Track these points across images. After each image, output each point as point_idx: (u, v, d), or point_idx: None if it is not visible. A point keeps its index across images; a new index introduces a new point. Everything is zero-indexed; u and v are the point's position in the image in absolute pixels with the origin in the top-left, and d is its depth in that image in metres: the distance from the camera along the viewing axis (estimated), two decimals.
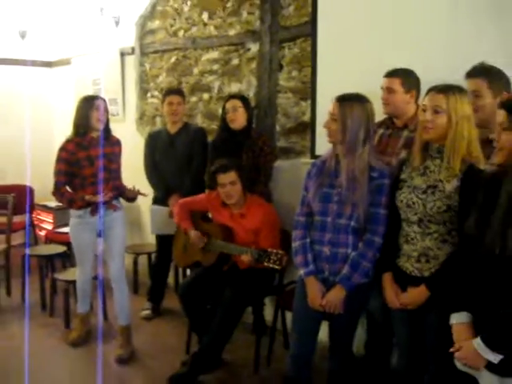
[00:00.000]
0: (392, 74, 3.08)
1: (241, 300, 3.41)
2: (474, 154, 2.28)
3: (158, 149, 4.40)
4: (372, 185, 2.53)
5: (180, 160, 4.30)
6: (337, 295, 2.57)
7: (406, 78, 3.05)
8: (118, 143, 3.86)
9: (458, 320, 2.07)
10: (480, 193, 2.06)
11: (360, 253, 2.55)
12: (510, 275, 1.88)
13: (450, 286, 2.16)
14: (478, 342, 1.92)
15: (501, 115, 1.94)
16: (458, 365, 2.06)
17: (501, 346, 1.88)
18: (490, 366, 1.92)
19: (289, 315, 3.51)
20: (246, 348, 3.80)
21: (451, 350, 2.05)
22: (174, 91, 4.43)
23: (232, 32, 4.41)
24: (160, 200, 4.34)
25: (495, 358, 1.88)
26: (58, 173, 3.70)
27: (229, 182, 3.45)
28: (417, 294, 2.37)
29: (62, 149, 3.68)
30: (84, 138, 3.68)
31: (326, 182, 2.62)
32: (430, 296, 2.33)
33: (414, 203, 2.35)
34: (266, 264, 3.07)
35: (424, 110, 2.31)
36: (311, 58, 3.83)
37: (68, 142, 3.70)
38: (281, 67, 4.07)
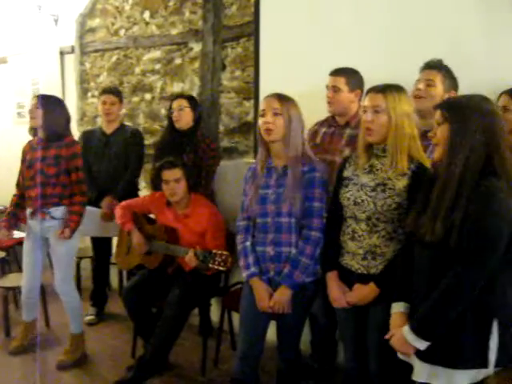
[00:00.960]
0: (337, 72, 3.11)
1: (187, 302, 3.37)
2: (417, 151, 2.33)
3: (91, 149, 4.27)
4: (303, 179, 2.55)
5: (114, 161, 4.21)
6: (283, 295, 2.58)
7: (350, 77, 3.09)
8: (70, 145, 3.53)
9: (396, 309, 2.14)
10: (422, 190, 2.10)
11: (299, 249, 2.56)
12: (435, 263, 1.95)
13: (395, 280, 2.20)
14: (406, 330, 1.99)
15: (437, 114, 2.01)
16: (398, 353, 2.12)
17: (427, 334, 1.94)
18: (420, 355, 1.98)
19: (235, 316, 3.50)
20: (192, 350, 3.78)
21: (385, 336, 2.12)
22: (108, 90, 4.32)
23: (174, 31, 4.37)
24: (92, 201, 4.11)
25: (422, 345, 1.94)
26: (19, 173, 3.63)
27: (173, 179, 3.41)
28: (365, 292, 2.38)
29: (23, 148, 3.60)
30: (34, 138, 3.58)
31: (262, 183, 2.64)
32: (379, 293, 2.36)
33: (362, 201, 2.36)
34: (210, 265, 3.05)
35: (365, 111, 2.34)
36: (254, 58, 3.84)
37: (28, 142, 3.61)
38: (224, 67, 4.06)
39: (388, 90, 2.30)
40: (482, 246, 1.86)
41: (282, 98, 2.58)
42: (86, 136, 4.37)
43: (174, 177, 3.41)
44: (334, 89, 3.09)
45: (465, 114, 1.93)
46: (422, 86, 2.80)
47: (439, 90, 2.79)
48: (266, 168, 2.66)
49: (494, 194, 1.86)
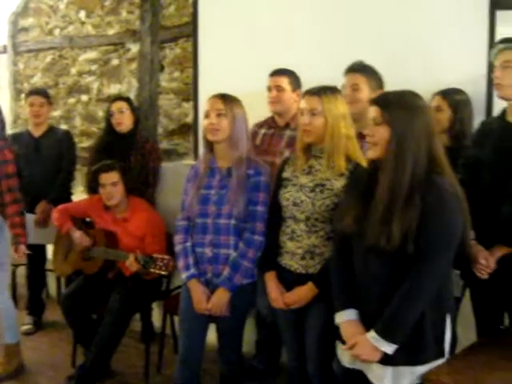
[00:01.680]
0: (280, 72, 3.14)
1: (128, 307, 3.31)
2: (351, 151, 2.36)
3: (20, 153, 4.03)
4: (249, 182, 2.55)
5: (47, 165, 4.08)
6: (221, 298, 2.56)
7: (292, 76, 3.13)
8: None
9: (347, 318, 2.10)
10: (358, 189, 2.11)
11: (240, 253, 2.55)
12: (395, 267, 1.96)
13: (333, 283, 2.20)
14: (372, 335, 1.97)
15: (373, 111, 2.00)
16: (345, 362, 2.12)
17: (395, 336, 1.94)
18: (382, 359, 1.97)
19: (178, 320, 3.44)
20: (135, 356, 3.71)
21: (344, 347, 2.08)
22: (36, 91, 4.18)
23: (111, 31, 4.30)
24: (26, 207, 3.84)
25: (391, 348, 1.94)
26: None
27: (110, 183, 3.35)
28: (303, 292, 2.39)
29: None
30: None
31: (204, 184, 2.62)
32: (317, 292, 2.36)
33: (301, 201, 2.37)
34: (152, 270, 3.00)
35: (302, 114, 2.36)
36: (193, 59, 3.81)
37: None
38: (162, 68, 4.01)
39: (323, 92, 2.33)
40: (442, 242, 1.90)
41: (226, 99, 2.57)
42: (13, 140, 4.16)
43: (111, 180, 3.35)
44: (278, 88, 3.11)
45: (407, 115, 1.94)
46: (348, 92, 2.84)
47: (365, 93, 2.84)
48: (210, 168, 2.64)
49: (446, 190, 1.89)
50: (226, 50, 3.64)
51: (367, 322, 2.04)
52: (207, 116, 2.57)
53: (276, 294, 2.46)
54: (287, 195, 2.42)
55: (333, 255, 2.27)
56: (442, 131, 2.81)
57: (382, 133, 1.96)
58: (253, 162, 2.60)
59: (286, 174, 2.48)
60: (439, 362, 1.97)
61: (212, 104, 2.57)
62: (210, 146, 2.63)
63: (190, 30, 3.82)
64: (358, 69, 2.86)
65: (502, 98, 2.49)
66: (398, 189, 1.92)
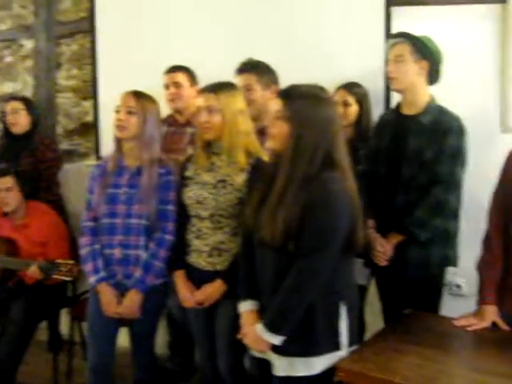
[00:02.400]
0: (176, 68, 3.13)
1: (31, 316, 3.18)
2: (251, 146, 2.37)
3: None
4: (159, 181, 2.51)
5: None
6: (133, 300, 2.50)
7: (189, 72, 3.12)
8: None
9: (245, 308, 2.14)
10: (261, 182, 2.12)
11: (152, 253, 2.51)
12: (283, 260, 1.97)
13: (241, 276, 2.21)
14: (259, 327, 2.00)
15: (277, 104, 2.00)
16: (254, 352, 2.13)
17: (280, 329, 1.96)
18: (277, 349, 2.00)
19: (86, 326, 3.33)
20: (43, 367, 3.55)
21: (238, 336, 2.12)
22: None
23: (3, 27, 4.07)
24: None
25: (277, 340, 1.97)
26: None
27: (4, 188, 3.20)
28: (212, 290, 2.38)
29: None
30: None
31: (111, 182, 2.55)
32: (226, 288, 2.37)
33: (205, 199, 2.36)
34: (55, 276, 2.88)
35: (200, 112, 2.35)
36: (91, 56, 3.69)
37: None
38: (59, 65, 3.85)
39: (220, 89, 2.34)
40: (322, 238, 1.91)
41: (139, 97, 2.53)
42: None
43: (5, 185, 3.20)
44: (176, 85, 3.09)
45: (309, 108, 1.95)
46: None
47: (258, 92, 2.84)
48: (118, 167, 2.57)
49: (330, 186, 1.91)
50: (125, 46, 3.56)
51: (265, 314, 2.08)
52: (118, 112, 2.51)
53: (186, 293, 2.44)
54: (190, 194, 2.41)
55: (239, 248, 2.28)
56: (348, 125, 2.88)
57: (282, 126, 1.97)
58: (163, 161, 2.57)
59: (188, 173, 2.47)
60: (337, 353, 1.99)
61: (124, 100, 2.52)
62: (118, 143, 2.57)
63: (87, 26, 3.71)
64: (248, 68, 2.85)
65: (396, 90, 2.59)
66: (290, 183, 1.94)
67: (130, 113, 2.49)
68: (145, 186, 2.49)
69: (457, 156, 2.46)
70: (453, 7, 2.90)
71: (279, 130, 1.98)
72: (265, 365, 2.09)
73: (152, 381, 2.76)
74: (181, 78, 3.10)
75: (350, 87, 2.91)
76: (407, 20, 2.94)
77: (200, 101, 2.37)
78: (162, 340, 3.35)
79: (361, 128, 2.90)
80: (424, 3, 2.94)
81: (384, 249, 2.51)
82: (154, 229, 2.53)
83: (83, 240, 2.61)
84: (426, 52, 2.49)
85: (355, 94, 2.90)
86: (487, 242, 2.32)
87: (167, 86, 3.14)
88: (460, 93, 2.83)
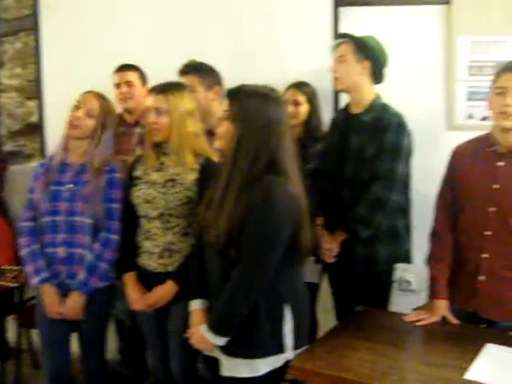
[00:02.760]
0: (128, 67, 3.09)
1: None
2: (199, 147, 2.36)
3: None
4: (104, 179, 2.48)
5: None
6: (75, 302, 2.46)
7: (140, 71, 3.10)
8: None
9: (193, 307, 2.14)
10: (209, 183, 2.11)
11: (97, 254, 2.46)
12: (227, 262, 1.96)
13: (192, 276, 2.20)
14: (204, 328, 1.99)
15: (224, 104, 2.01)
16: (206, 351, 2.12)
17: (222, 330, 1.96)
18: (223, 349, 2.00)
19: (35, 333, 3.25)
20: None
21: (185, 335, 2.11)
22: None
23: None
24: None
25: (220, 341, 1.97)
26: None
27: None
28: (164, 291, 2.36)
29: None
30: None
31: (54, 180, 2.50)
32: (178, 290, 2.34)
33: (154, 198, 2.33)
34: (1, 283, 2.79)
35: (149, 112, 2.33)
36: (35, 54, 3.59)
37: None
38: (2, 64, 3.73)
39: (168, 90, 2.32)
40: (262, 242, 1.90)
41: (99, 97, 2.51)
42: None
43: None
44: (128, 84, 3.06)
45: (255, 108, 1.93)
46: None
47: (201, 93, 2.82)
48: (61, 164, 2.52)
49: (271, 192, 1.89)
50: (71, 44, 3.47)
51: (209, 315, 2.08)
52: (76, 109, 2.48)
53: (136, 296, 2.41)
54: (139, 193, 2.38)
55: (191, 248, 2.28)
56: (298, 124, 2.89)
57: (227, 126, 1.97)
58: (107, 158, 2.53)
59: (137, 173, 2.43)
60: (282, 356, 1.99)
61: (86, 101, 2.49)
62: (66, 141, 2.53)
63: (31, 23, 3.59)
64: (190, 70, 2.83)
65: (339, 90, 2.62)
66: (230, 184, 1.93)
67: (89, 115, 2.46)
68: (90, 183, 2.45)
69: (397, 152, 2.48)
70: (399, 8, 2.95)
71: (225, 130, 1.98)
72: (217, 365, 2.08)
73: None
74: (133, 76, 3.07)
75: (300, 86, 2.93)
76: (355, 20, 2.98)
77: (149, 101, 2.34)
78: (113, 345, 3.28)
79: (311, 127, 2.92)
80: (371, 4, 2.99)
81: (330, 246, 2.54)
82: (99, 228, 2.49)
83: (22, 241, 2.54)
84: (368, 52, 2.52)
85: (305, 92, 2.91)
86: (435, 237, 2.36)
87: (118, 85, 3.09)
88: (407, 91, 2.89)
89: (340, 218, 2.55)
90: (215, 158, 2.37)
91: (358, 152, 2.52)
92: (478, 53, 2.83)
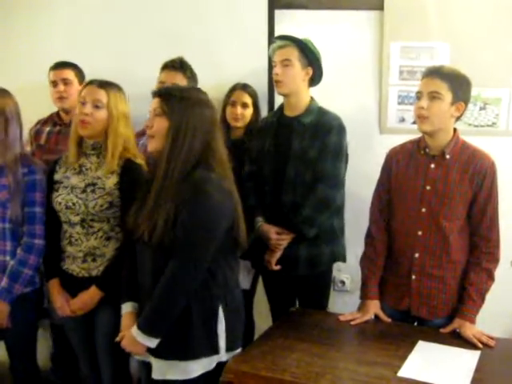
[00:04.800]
0: (64, 65, 3.00)
1: None
2: (131, 151, 2.32)
3: None
4: (23, 182, 2.37)
5: None
6: (1, 312, 2.35)
7: (77, 69, 3.02)
8: None
9: (123, 311, 2.10)
10: (139, 186, 2.09)
11: (19, 260, 2.37)
12: (159, 260, 1.93)
13: (119, 279, 2.16)
14: (134, 330, 1.95)
15: (154, 103, 1.98)
16: (135, 356, 2.08)
17: (154, 331, 1.93)
18: (153, 352, 1.96)
19: None
20: None
21: (116, 339, 2.07)
22: None
23: None
24: None
25: (152, 343, 1.93)
26: None
27: None
28: (88, 297, 2.30)
29: None
30: None
31: None
32: (103, 295, 2.30)
33: (74, 204, 2.27)
34: None
35: (83, 103, 2.26)
36: None
37: None
38: None
39: (109, 86, 2.28)
40: (196, 236, 1.88)
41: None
42: None
43: None
44: (65, 81, 2.97)
45: (185, 109, 1.93)
46: None
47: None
48: None
49: (203, 186, 1.89)
50: (5, 41, 3.35)
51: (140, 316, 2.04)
52: None
53: (60, 302, 2.35)
54: (59, 199, 2.31)
55: (120, 251, 2.24)
56: (243, 126, 2.88)
57: (161, 124, 1.94)
58: (26, 160, 2.43)
59: (57, 176, 2.37)
60: (216, 357, 1.98)
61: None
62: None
63: None
64: (177, 67, 2.83)
65: (281, 94, 2.62)
66: (166, 181, 1.92)
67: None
68: (7, 187, 2.35)
69: (339, 153, 2.53)
70: (334, 12, 2.99)
71: (158, 126, 1.95)
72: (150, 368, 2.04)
73: None
74: (70, 74, 2.97)
75: (246, 88, 2.92)
76: (290, 23, 3.00)
77: (84, 92, 2.27)
78: (44, 352, 3.17)
79: (251, 129, 2.91)
80: (306, 7, 3.01)
81: (280, 237, 2.53)
82: (20, 233, 2.39)
83: None
84: (311, 58, 2.55)
85: (251, 94, 2.91)
86: (370, 239, 2.41)
87: (54, 83, 2.98)
88: (340, 95, 2.94)
89: (281, 221, 2.56)
90: (139, 160, 2.33)
91: (300, 154, 2.53)
92: (408, 58, 2.91)
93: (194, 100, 1.97)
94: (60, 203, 2.30)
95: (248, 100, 2.90)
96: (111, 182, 2.26)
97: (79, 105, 2.28)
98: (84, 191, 2.27)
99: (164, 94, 1.99)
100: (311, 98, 2.63)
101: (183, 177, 1.90)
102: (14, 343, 2.51)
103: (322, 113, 2.59)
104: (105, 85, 2.27)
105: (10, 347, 2.52)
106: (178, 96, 1.96)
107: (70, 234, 2.32)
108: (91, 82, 2.30)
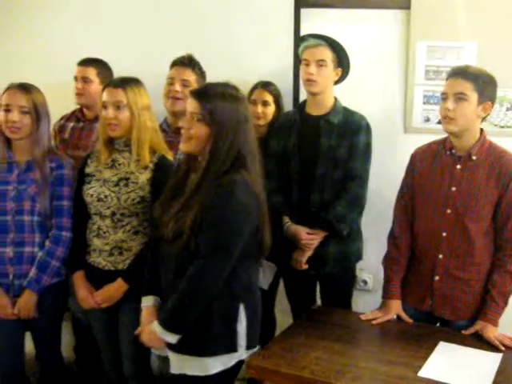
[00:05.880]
0: (87, 62, 3.00)
1: None
2: (161, 145, 2.36)
3: None
4: (51, 176, 2.42)
5: None
6: (28, 301, 2.41)
7: (101, 67, 3.01)
8: None
9: (144, 304, 2.12)
10: (169, 182, 2.10)
11: (48, 251, 2.42)
12: (183, 260, 1.95)
13: (144, 273, 2.18)
14: (155, 324, 1.97)
15: (192, 104, 1.97)
16: (153, 349, 2.11)
17: (175, 327, 1.94)
18: (172, 347, 1.98)
19: None
20: None
21: (135, 332, 2.09)
22: None
23: None
24: None
25: (172, 338, 1.95)
26: None
27: None
28: (113, 289, 2.34)
29: None
30: None
31: (0, 179, 2.43)
32: (128, 288, 2.33)
33: (106, 196, 2.31)
34: None
35: (105, 107, 2.29)
36: None
37: None
38: None
39: (127, 84, 2.30)
40: (222, 237, 1.89)
41: (28, 92, 2.39)
42: None
43: None
44: (85, 80, 2.97)
45: (224, 110, 1.93)
46: (178, 88, 2.78)
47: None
48: (7, 163, 2.44)
49: (230, 188, 1.89)
50: (29, 35, 3.38)
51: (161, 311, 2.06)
52: (7, 111, 2.36)
53: (84, 294, 2.39)
54: (91, 191, 2.35)
55: (146, 245, 2.27)
56: (265, 124, 2.89)
57: (201, 129, 1.94)
58: (54, 154, 2.48)
59: (88, 170, 2.41)
60: (234, 355, 1.99)
61: (13, 98, 2.37)
62: (6, 139, 2.43)
63: None
64: (187, 63, 2.82)
65: (312, 92, 2.61)
66: (203, 183, 1.93)
67: (23, 113, 2.37)
68: (37, 181, 2.40)
69: (367, 152, 2.57)
70: (360, 11, 2.97)
71: (198, 132, 1.95)
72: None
73: (59, 383, 2.67)
74: (91, 73, 2.97)
75: (267, 86, 2.92)
76: (316, 21, 2.98)
77: (104, 96, 2.30)
78: (68, 344, 3.22)
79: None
80: (332, 6, 3.00)
81: (311, 236, 2.54)
82: (49, 225, 2.45)
83: None
84: (343, 60, 2.58)
85: (273, 93, 2.91)
86: (393, 239, 2.40)
87: (76, 79, 3.01)
88: (366, 94, 2.92)
89: (310, 219, 2.56)
90: (169, 155, 2.37)
91: (328, 153, 2.55)
92: (435, 58, 2.89)
93: (231, 99, 1.96)
94: (92, 195, 2.33)
95: (269, 98, 2.90)
96: (144, 176, 2.29)
97: (102, 109, 2.30)
98: (117, 185, 2.31)
99: (201, 95, 1.97)
100: (335, 97, 2.65)
101: (214, 179, 1.91)
102: (40, 333, 2.56)
103: (348, 113, 2.61)
104: (121, 84, 2.29)
105: (36, 337, 2.58)
106: (216, 96, 1.94)
107: (98, 227, 2.35)
108: (108, 85, 2.33)
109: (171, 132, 2.80)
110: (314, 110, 2.64)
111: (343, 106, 2.64)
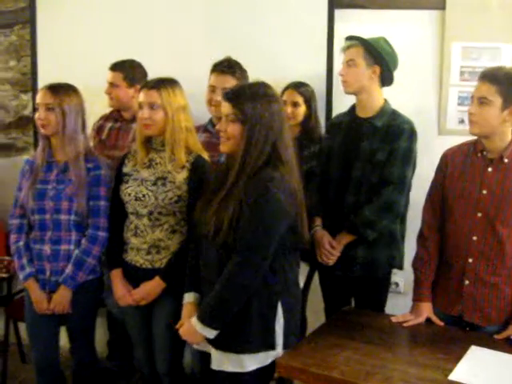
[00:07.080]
0: (115, 67, 3.05)
1: None
2: (194, 142, 2.39)
3: None
4: (88, 177, 2.48)
5: None
6: (63, 296, 2.47)
7: (129, 71, 3.04)
8: None
9: (186, 300, 2.15)
10: (207, 183, 2.14)
11: (84, 249, 2.48)
12: (223, 256, 1.98)
13: (182, 272, 2.21)
14: (194, 320, 2.00)
15: (225, 107, 2.01)
16: (194, 345, 2.14)
17: (213, 323, 1.97)
18: (213, 342, 2.01)
19: (22, 326, 3.23)
20: None
21: (176, 326, 2.13)
22: None
23: None
24: None
25: (210, 333, 1.98)
26: None
27: None
28: (150, 287, 2.37)
29: None
30: None
31: (40, 178, 2.50)
32: (165, 286, 2.36)
33: (144, 196, 2.34)
34: None
35: (141, 107, 2.33)
36: (31, 47, 3.57)
37: None
38: None
39: (162, 85, 2.32)
40: (258, 233, 1.91)
41: (55, 91, 2.46)
42: None
43: None
44: (111, 84, 3.04)
45: (256, 109, 1.95)
46: (219, 98, 2.75)
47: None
48: (47, 162, 2.52)
49: (266, 185, 1.91)
50: (67, 38, 3.45)
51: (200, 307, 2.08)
52: (37, 109, 2.47)
53: (122, 292, 2.43)
54: (129, 190, 2.38)
55: (185, 243, 2.30)
56: (296, 124, 2.90)
57: (235, 129, 1.98)
58: (91, 155, 2.54)
59: (126, 169, 2.44)
60: (271, 353, 2.01)
61: (41, 97, 2.47)
62: (46, 138, 2.51)
63: (27, 16, 3.57)
64: (227, 70, 2.83)
65: (347, 93, 2.61)
66: (239, 181, 1.95)
67: (48, 109, 2.44)
68: (73, 181, 2.45)
69: (407, 158, 2.51)
70: (394, 12, 2.96)
71: (233, 132, 1.98)
72: (207, 360, 2.09)
73: (91, 378, 2.72)
74: (117, 78, 3.02)
75: (298, 87, 2.92)
76: (350, 23, 2.99)
77: (141, 97, 2.34)
78: (102, 339, 3.28)
79: (308, 128, 2.92)
80: (367, 7, 3.00)
81: (333, 247, 2.54)
82: (86, 225, 2.50)
83: (11, 237, 2.58)
84: (378, 57, 2.53)
85: (303, 93, 2.92)
86: (422, 240, 2.38)
87: (107, 82, 3.07)
88: (400, 95, 2.88)
89: (342, 221, 2.56)
90: (205, 154, 2.40)
91: (368, 156, 2.53)
92: (470, 58, 2.86)
93: (263, 98, 1.98)
94: (129, 194, 2.37)
95: (299, 99, 2.90)
96: (181, 176, 2.32)
97: (139, 109, 2.35)
98: (155, 184, 2.34)
99: (234, 98, 2.00)
100: (385, 100, 2.62)
101: (251, 176, 1.94)
102: (74, 328, 2.62)
103: (394, 116, 2.57)
104: (157, 85, 2.32)
105: (70, 332, 2.64)
106: (248, 97, 1.97)
107: (135, 226, 2.38)
108: (145, 86, 2.37)
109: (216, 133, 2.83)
110: (361, 112, 2.62)
111: (393, 109, 2.60)
